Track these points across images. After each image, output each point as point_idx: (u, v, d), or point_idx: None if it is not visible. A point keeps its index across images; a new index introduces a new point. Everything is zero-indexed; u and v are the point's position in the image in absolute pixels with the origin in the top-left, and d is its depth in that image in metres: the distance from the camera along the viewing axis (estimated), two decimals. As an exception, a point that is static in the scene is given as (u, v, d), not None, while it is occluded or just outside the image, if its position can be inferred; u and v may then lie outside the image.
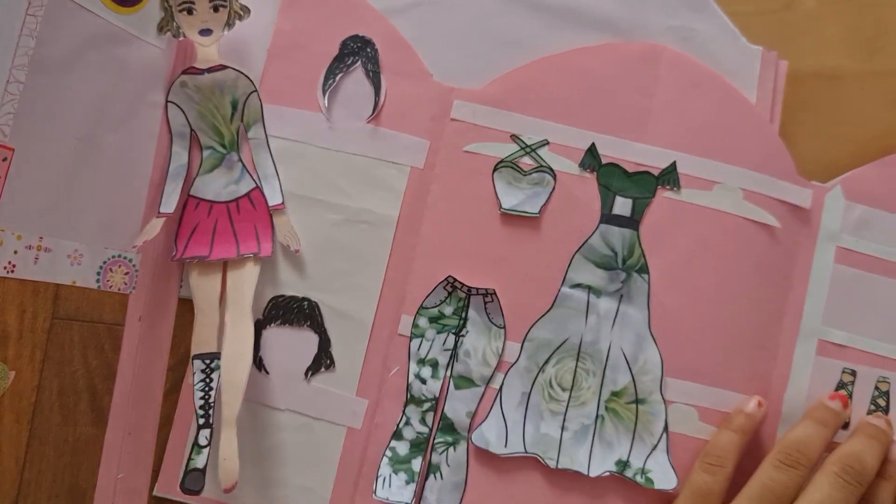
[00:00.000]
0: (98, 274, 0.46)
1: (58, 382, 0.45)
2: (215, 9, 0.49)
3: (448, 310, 0.50)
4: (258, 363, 0.50)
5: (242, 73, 0.50)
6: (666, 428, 0.49)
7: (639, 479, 0.49)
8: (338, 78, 0.51)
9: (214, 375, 0.48)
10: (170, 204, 0.49)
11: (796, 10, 0.54)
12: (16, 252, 0.41)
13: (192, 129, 0.50)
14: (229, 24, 0.49)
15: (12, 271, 0.41)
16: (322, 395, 0.49)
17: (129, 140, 0.48)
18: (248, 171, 0.50)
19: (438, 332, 0.50)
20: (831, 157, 0.53)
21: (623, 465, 0.49)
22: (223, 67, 0.49)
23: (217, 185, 0.50)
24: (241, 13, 0.49)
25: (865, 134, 0.54)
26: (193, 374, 0.48)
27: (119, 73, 0.46)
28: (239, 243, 0.49)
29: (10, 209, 0.41)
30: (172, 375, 0.50)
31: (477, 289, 0.50)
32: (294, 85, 0.51)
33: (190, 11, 0.48)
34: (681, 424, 0.49)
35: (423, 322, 0.50)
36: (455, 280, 0.50)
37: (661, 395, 0.49)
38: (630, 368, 0.49)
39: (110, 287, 0.47)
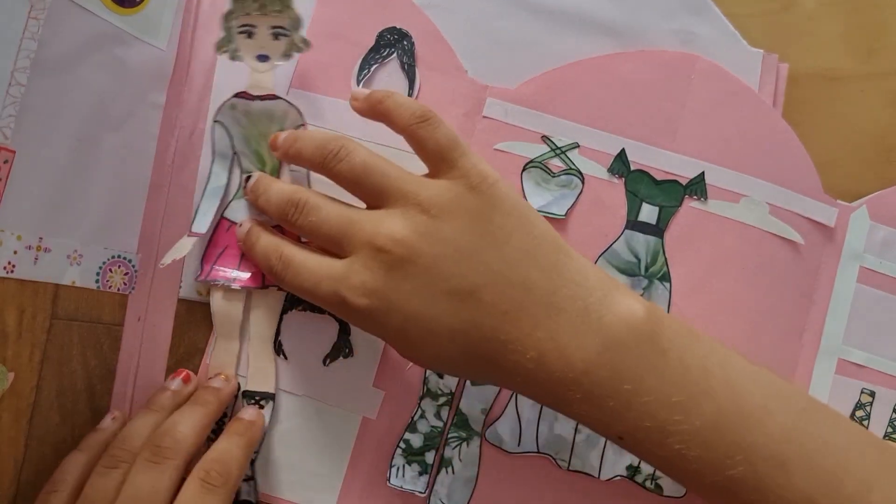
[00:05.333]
0: (97, 274, 0.46)
1: (57, 383, 0.44)
2: (275, 36, 0.48)
3: (469, 306, 0.50)
4: (277, 348, 0.50)
5: (293, 105, 0.49)
6: (679, 436, 0.49)
7: (648, 485, 0.49)
8: (373, 69, 0.51)
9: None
10: (203, 224, 0.49)
11: (795, 11, 0.54)
12: (15, 252, 0.41)
13: (234, 152, 0.50)
14: (287, 55, 0.49)
15: (12, 271, 0.41)
16: (339, 384, 0.50)
17: (129, 140, 0.48)
18: None
19: (458, 328, 0.50)
20: (830, 158, 0.53)
21: (634, 470, 0.49)
22: (275, 97, 0.49)
23: (252, 211, 0.49)
24: (302, 46, 0.49)
25: (864, 134, 0.54)
26: None
27: (119, 74, 0.46)
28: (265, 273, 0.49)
29: (11, 210, 0.40)
30: (171, 377, 0.50)
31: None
32: (328, 73, 0.51)
33: (250, 35, 0.48)
34: (694, 434, 0.49)
35: (443, 316, 0.50)
36: (477, 277, 0.50)
37: (677, 403, 0.49)
38: (647, 375, 0.50)
39: (110, 287, 0.47)
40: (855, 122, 0.54)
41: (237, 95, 0.49)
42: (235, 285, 0.49)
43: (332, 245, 0.43)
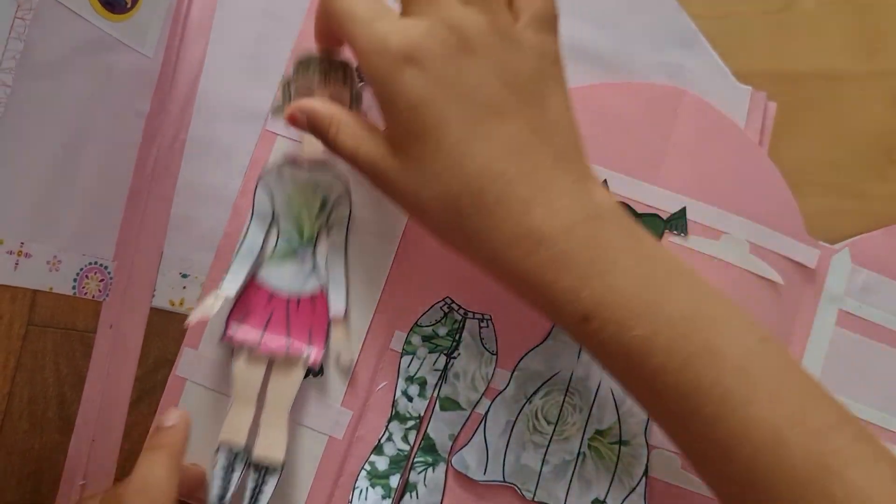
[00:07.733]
0: (74, 281, 0.46)
1: (28, 391, 0.44)
2: None
3: (442, 330, 0.50)
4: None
5: (341, 179, 0.49)
6: (646, 472, 0.49)
7: (614, 520, 0.48)
8: (359, 86, 0.51)
9: (237, 466, 0.47)
10: (234, 284, 0.48)
11: (796, 11, 0.54)
12: None
13: (274, 215, 0.49)
14: None
15: None
16: (307, 402, 0.49)
17: (112, 147, 0.47)
18: (317, 272, 0.49)
19: (430, 352, 0.49)
20: (831, 158, 0.53)
21: (600, 504, 0.49)
22: (325, 168, 0.49)
23: (283, 277, 0.49)
24: None
25: (865, 134, 0.53)
26: (216, 461, 0.46)
27: (106, 80, 0.46)
28: (290, 341, 0.48)
29: None
30: (140, 385, 0.50)
31: (473, 312, 0.50)
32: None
33: None
34: (662, 470, 0.49)
35: (416, 340, 0.49)
36: (453, 301, 0.50)
37: (646, 438, 0.49)
38: (617, 408, 0.49)
39: (85, 294, 0.47)
40: (855, 122, 0.53)
41: (288, 160, 0.49)
42: (259, 351, 0.48)
43: None
